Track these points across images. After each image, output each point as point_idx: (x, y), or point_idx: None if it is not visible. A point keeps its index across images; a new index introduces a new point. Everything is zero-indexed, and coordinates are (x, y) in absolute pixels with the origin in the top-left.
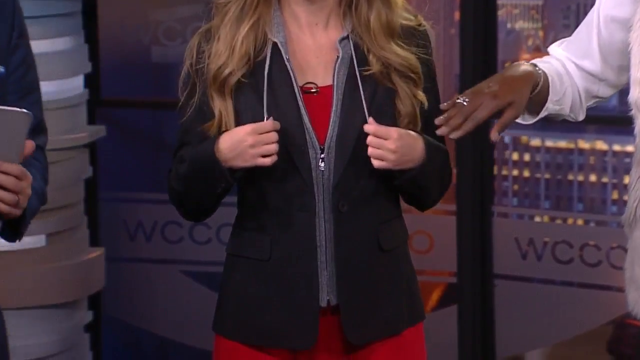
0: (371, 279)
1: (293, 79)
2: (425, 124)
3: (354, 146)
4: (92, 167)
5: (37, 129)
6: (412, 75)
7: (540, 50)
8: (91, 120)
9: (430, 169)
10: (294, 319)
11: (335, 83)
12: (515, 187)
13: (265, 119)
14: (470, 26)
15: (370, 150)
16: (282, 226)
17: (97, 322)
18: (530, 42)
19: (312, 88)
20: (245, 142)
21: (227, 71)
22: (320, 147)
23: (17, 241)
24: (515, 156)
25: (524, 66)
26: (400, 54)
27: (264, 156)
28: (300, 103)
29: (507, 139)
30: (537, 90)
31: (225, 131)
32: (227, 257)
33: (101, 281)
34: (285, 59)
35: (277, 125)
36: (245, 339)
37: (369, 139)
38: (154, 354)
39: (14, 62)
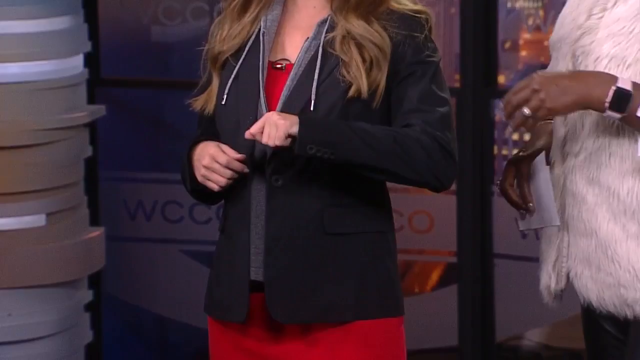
0: (308, 260)
1: (261, 53)
2: (397, 109)
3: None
4: (92, 146)
5: None
6: (373, 47)
7: (541, 29)
8: (91, 100)
9: (341, 143)
10: (230, 292)
11: (297, 61)
12: None
13: (226, 89)
14: (471, 5)
15: (263, 138)
16: (231, 199)
17: (97, 301)
18: (530, 21)
19: (279, 64)
20: (202, 160)
21: (223, 50)
22: None
23: None
24: (515, 136)
25: None
26: (366, 27)
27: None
28: (260, 77)
29: None
30: None
31: (207, 107)
32: None
33: (101, 260)
34: (261, 32)
35: (235, 164)
36: (208, 311)
37: (259, 137)
38: (154, 333)
39: None
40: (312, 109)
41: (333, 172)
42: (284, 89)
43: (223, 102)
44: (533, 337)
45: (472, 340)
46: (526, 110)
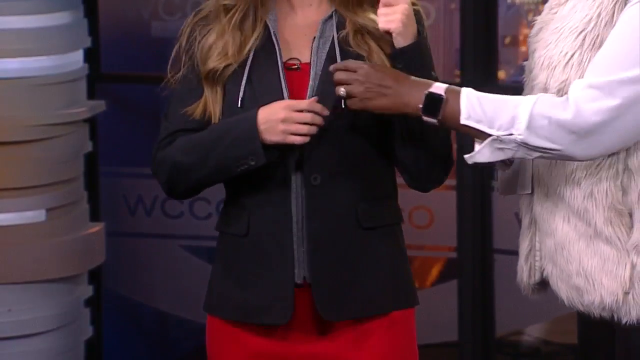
0: (348, 255)
1: (278, 54)
2: None
3: (327, 119)
4: (92, 141)
5: None
6: (388, 37)
7: None
8: (91, 95)
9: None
10: (269, 294)
11: (312, 60)
12: None
13: (241, 92)
14: (471, 1)
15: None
16: (259, 201)
17: (97, 297)
18: (530, 17)
19: (294, 64)
20: (277, 115)
21: (226, 65)
22: None
23: None
24: None
25: None
26: (376, 19)
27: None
28: (281, 77)
29: None
30: None
31: (209, 113)
32: (218, 236)
33: (101, 256)
34: (272, 33)
35: (316, 106)
36: (227, 315)
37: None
38: (154, 328)
39: None
40: (343, 106)
41: (363, 166)
42: (308, 89)
43: (239, 105)
44: (533, 333)
45: (472, 336)
46: (342, 91)
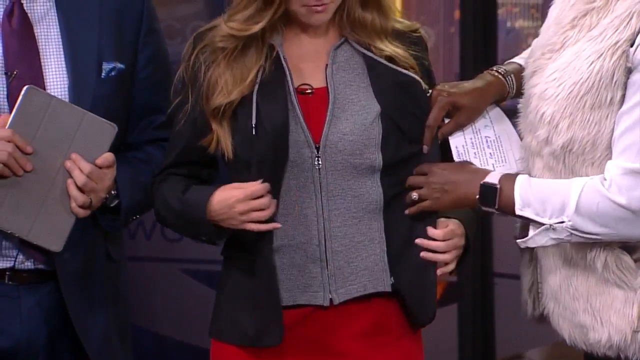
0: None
1: (289, 79)
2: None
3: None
4: None
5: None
6: (410, 69)
7: None
8: None
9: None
10: (261, 317)
11: (328, 84)
12: None
13: (253, 120)
14: (470, 25)
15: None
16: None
17: None
18: (530, 41)
19: (307, 89)
20: (235, 209)
21: (230, 101)
22: (315, 146)
23: (117, 229)
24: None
25: (490, 77)
26: (399, 52)
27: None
28: (295, 102)
29: None
30: (509, 95)
31: (221, 151)
32: (223, 260)
33: None
34: (281, 57)
35: (268, 186)
36: (233, 339)
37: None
38: (154, 352)
39: (142, 59)
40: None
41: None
42: (327, 112)
43: (254, 133)
44: (533, 357)
45: (472, 359)
46: (414, 196)
